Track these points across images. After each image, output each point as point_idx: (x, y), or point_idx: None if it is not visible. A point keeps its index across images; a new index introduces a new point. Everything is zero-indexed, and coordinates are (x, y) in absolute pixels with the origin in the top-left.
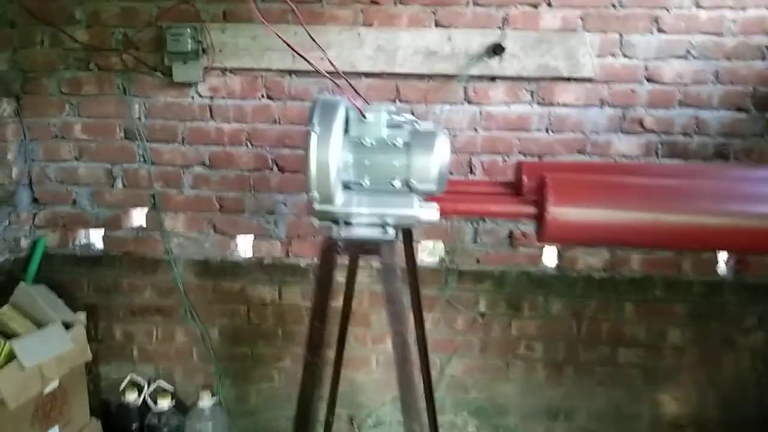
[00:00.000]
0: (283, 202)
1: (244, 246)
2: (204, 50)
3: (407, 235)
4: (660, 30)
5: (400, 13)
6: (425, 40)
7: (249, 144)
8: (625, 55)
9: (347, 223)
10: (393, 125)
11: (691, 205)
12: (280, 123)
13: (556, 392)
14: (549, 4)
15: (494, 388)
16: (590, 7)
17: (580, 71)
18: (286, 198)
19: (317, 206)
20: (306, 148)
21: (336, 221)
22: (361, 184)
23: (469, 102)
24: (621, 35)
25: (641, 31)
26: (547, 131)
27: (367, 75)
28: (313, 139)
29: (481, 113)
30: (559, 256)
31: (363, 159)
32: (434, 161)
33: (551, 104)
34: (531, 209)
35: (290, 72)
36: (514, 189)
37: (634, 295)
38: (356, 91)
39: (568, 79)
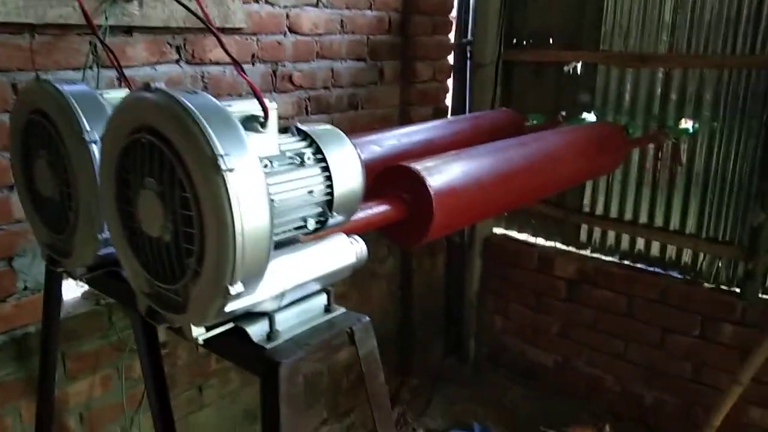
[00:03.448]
0: None
1: None
2: None
3: None
4: None
5: None
6: None
7: None
8: (268, 2)
9: (270, 317)
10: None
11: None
12: None
13: (249, 392)
14: None
15: None
16: None
17: (231, 20)
18: None
19: (232, 306)
20: (208, 202)
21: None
22: None
23: (100, 65)
24: None
25: None
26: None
27: None
28: (230, 181)
29: (119, 81)
30: None
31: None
32: (357, 173)
33: (202, 62)
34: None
35: None
36: None
37: None
38: (240, 69)
39: (218, 30)
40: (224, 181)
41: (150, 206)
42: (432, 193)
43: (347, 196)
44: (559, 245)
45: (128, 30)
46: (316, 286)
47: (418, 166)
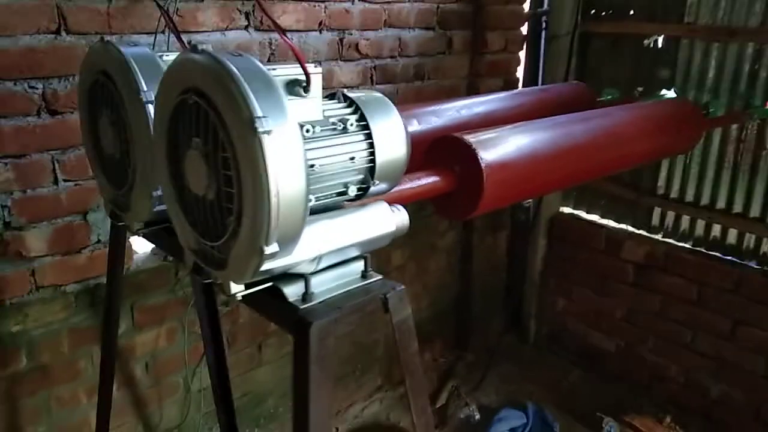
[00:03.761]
0: None
1: None
2: None
3: None
4: None
5: None
6: None
7: None
8: None
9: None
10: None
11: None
12: None
13: None
14: None
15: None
16: None
17: None
18: None
19: (268, 265)
20: (246, 163)
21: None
22: None
23: (176, 29)
24: None
25: None
26: (269, 62)
27: None
28: (267, 143)
29: (190, 44)
30: None
31: (309, 162)
32: (401, 141)
33: (271, 29)
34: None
35: None
36: None
37: None
38: (283, 33)
39: None
40: (261, 142)
41: (196, 166)
42: (483, 166)
43: (390, 165)
44: (629, 228)
45: None
46: (355, 252)
47: (470, 138)
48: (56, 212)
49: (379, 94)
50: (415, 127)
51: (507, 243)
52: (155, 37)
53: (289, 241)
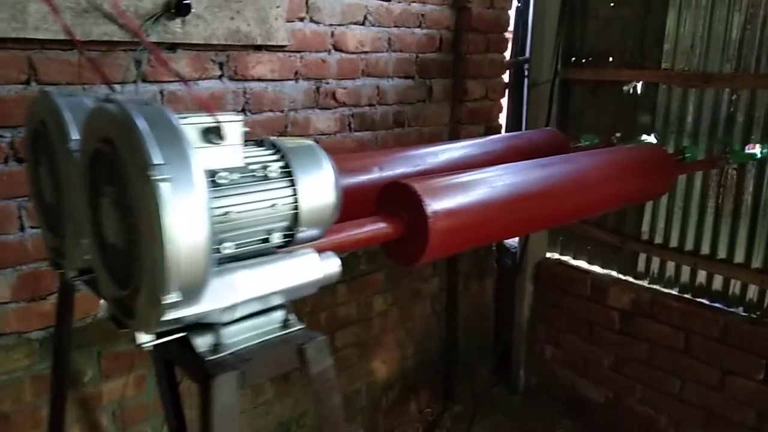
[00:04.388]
0: None
1: None
2: None
3: None
4: None
5: None
6: None
7: None
8: (313, 20)
9: (223, 326)
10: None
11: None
12: None
13: (285, 404)
14: None
15: None
16: None
17: (274, 38)
18: None
19: (170, 315)
20: (143, 210)
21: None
22: (220, 254)
23: (144, 80)
24: None
25: None
26: (244, 111)
27: None
28: (163, 191)
29: (162, 94)
30: None
31: (223, 210)
32: (329, 188)
33: (245, 78)
34: (397, 225)
35: None
36: None
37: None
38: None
39: (260, 48)
40: (157, 190)
41: (109, 213)
42: (428, 213)
43: (317, 211)
44: (615, 274)
45: (172, 47)
46: (276, 300)
47: (417, 184)
48: (22, 259)
49: (309, 142)
50: (374, 174)
51: (493, 289)
52: (126, 87)
53: (192, 290)
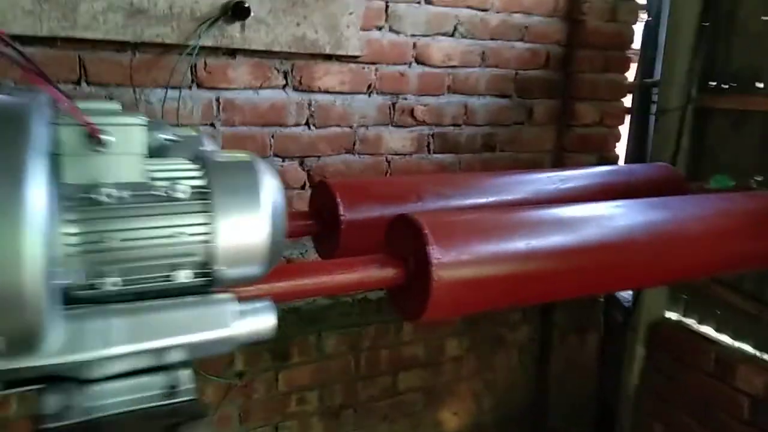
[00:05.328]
0: None
1: None
2: None
3: None
4: (427, 1)
5: None
6: None
7: None
8: (392, 30)
9: (83, 383)
10: (154, 152)
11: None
12: None
13: None
14: None
15: None
16: None
17: (345, 47)
18: None
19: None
20: None
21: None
22: (99, 290)
23: (200, 85)
24: (387, 3)
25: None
26: (308, 125)
27: (27, 40)
28: None
29: (218, 101)
30: None
31: (102, 235)
32: (263, 220)
33: (311, 90)
34: (398, 269)
35: None
36: (317, 219)
37: None
38: (47, 79)
39: (330, 57)
40: None
41: None
42: (433, 264)
43: (243, 246)
44: (748, 349)
45: (231, 52)
46: (174, 357)
47: (425, 219)
48: None
49: (247, 156)
50: (411, 204)
51: (598, 346)
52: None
53: (23, 336)
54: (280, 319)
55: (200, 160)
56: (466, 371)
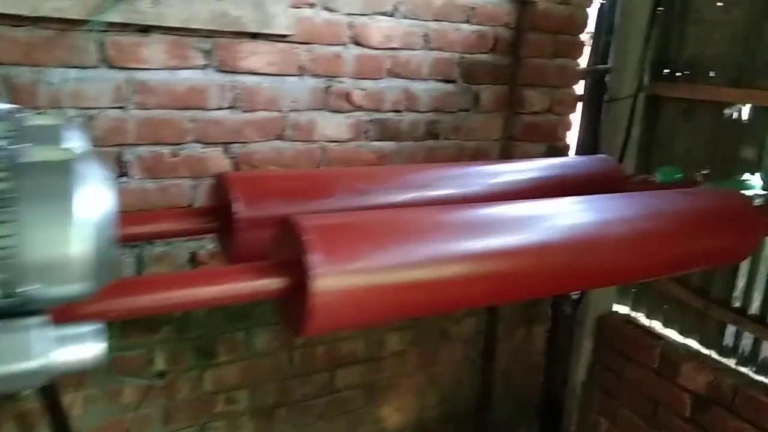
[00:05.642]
0: None
1: None
2: None
3: None
4: None
5: None
6: None
7: None
8: (326, 8)
9: None
10: None
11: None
12: None
13: None
14: None
15: None
16: None
17: (272, 25)
18: None
19: None
20: None
21: None
22: None
23: (111, 65)
24: None
25: None
26: (232, 109)
27: None
28: None
29: (129, 82)
30: None
31: None
32: (81, 230)
33: (235, 71)
34: (282, 280)
35: None
36: (216, 218)
37: None
38: None
39: (256, 36)
40: None
41: None
42: (310, 272)
43: (55, 261)
44: (694, 345)
45: (144, 29)
46: None
47: (310, 222)
48: None
49: (67, 155)
50: (321, 201)
51: (545, 339)
52: None
53: None
54: (203, 315)
55: (7, 159)
56: (409, 366)
